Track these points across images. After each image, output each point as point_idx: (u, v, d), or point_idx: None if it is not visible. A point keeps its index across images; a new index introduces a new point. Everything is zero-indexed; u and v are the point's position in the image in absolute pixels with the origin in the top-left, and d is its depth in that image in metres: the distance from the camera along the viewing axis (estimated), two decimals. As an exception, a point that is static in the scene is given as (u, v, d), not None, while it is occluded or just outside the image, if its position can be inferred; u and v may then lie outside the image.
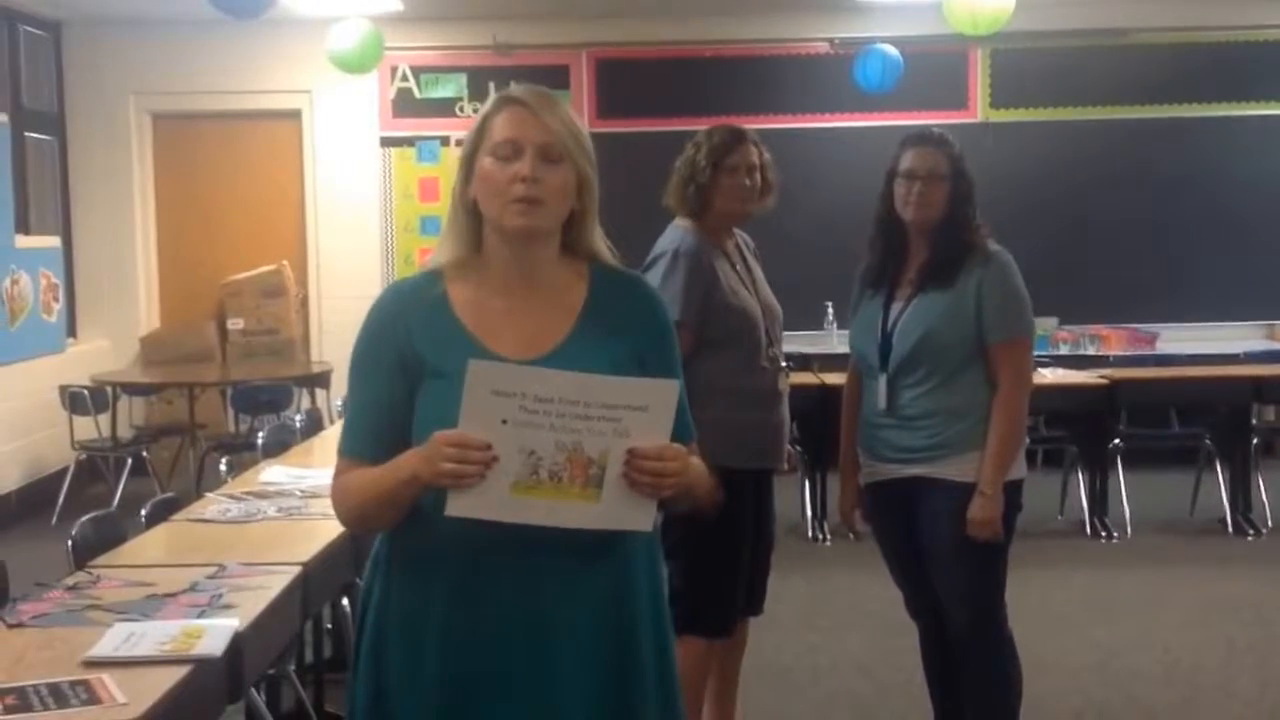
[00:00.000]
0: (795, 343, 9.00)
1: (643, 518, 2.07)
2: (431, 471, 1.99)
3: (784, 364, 3.99)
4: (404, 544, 2.16)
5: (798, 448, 7.48)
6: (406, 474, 2.04)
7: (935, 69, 9.56)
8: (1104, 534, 7.25)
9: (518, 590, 2.09)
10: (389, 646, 2.17)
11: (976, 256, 3.66)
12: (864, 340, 3.79)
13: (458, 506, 2.00)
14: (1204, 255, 9.60)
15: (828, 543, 7.07)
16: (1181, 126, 9.69)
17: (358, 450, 2.17)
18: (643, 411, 2.01)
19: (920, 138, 3.74)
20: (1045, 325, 9.33)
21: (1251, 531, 7.21)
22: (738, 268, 3.94)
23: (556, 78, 9.73)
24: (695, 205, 3.87)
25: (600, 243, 2.25)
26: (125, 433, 8.70)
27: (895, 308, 3.72)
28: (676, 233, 3.89)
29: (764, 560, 4.08)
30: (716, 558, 3.85)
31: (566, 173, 2.16)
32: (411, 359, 2.13)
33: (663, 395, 2.03)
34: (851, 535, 4.06)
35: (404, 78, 9.79)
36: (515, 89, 2.20)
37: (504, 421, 1.97)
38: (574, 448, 1.99)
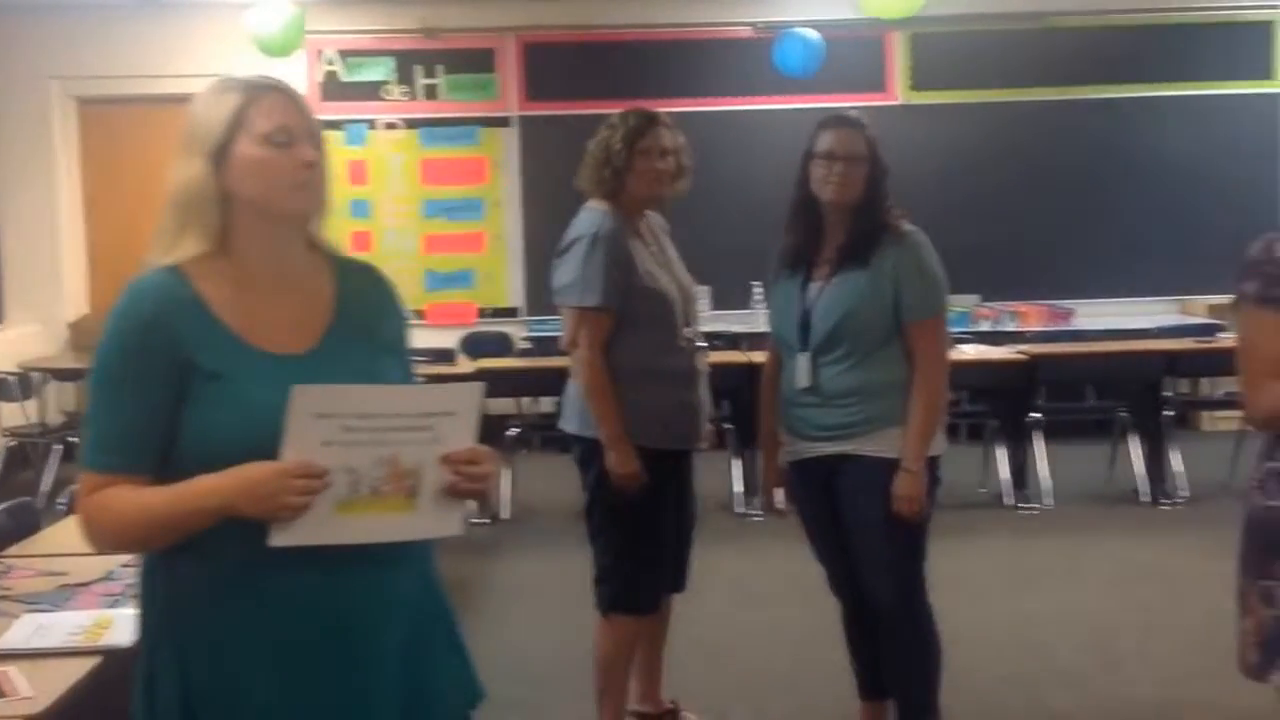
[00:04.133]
0: (723, 322, 9.13)
1: (456, 521, 2.06)
2: (271, 505, 1.91)
3: (701, 344, 4.06)
4: (193, 565, 2.03)
5: (728, 425, 7.56)
6: (215, 503, 1.94)
7: (855, 52, 9.68)
8: (1024, 505, 7.41)
9: (322, 600, 2.03)
10: (191, 658, 2.05)
11: (891, 236, 3.73)
12: (783, 320, 3.85)
13: (284, 536, 1.93)
14: (1118, 233, 9.80)
15: (757, 519, 7.16)
16: (1097, 108, 9.88)
17: (120, 464, 2.01)
18: (452, 416, 2.01)
19: (838, 119, 3.79)
20: (966, 303, 9.50)
21: (1166, 501, 7.40)
22: (652, 249, 3.99)
23: (483, 61, 9.77)
24: (610, 188, 3.91)
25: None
26: (54, 419, 8.65)
27: (814, 287, 3.77)
28: (593, 215, 3.92)
29: (687, 538, 4.15)
30: (640, 537, 3.91)
31: (325, 159, 2.15)
32: (183, 363, 2.01)
33: (470, 398, 2.03)
34: (772, 513, 4.14)
35: (330, 61, 9.78)
36: (253, 76, 2.14)
37: (325, 443, 1.93)
38: (392, 460, 1.97)
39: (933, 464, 3.75)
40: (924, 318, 3.73)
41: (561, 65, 9.77)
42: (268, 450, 1.93)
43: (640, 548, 3.93)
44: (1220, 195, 9.48)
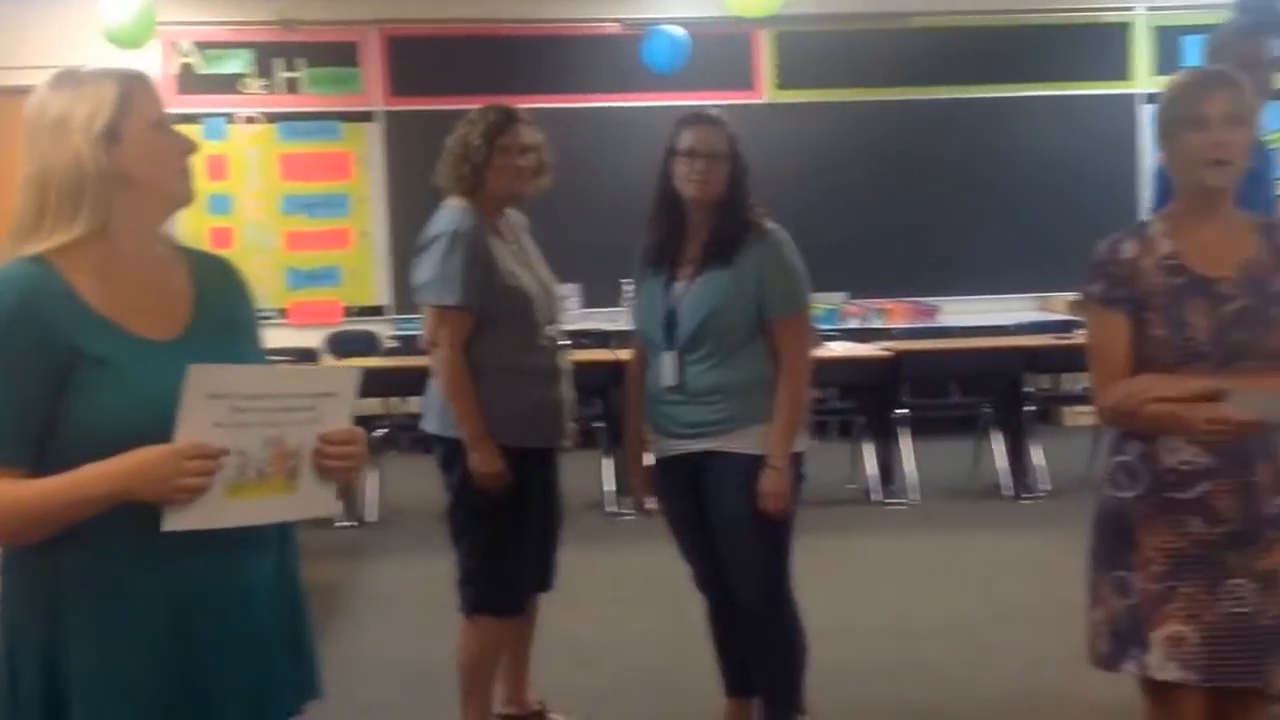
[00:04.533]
0: (592, 320, 9.10)
1: (331, 502, 2.09)
2: (167, 488, 1.90)
3: (563, 341, 4.03)
4: (77, 555, 2.00)
5: (598, 424, 7.54)
6: (105, 490, 1.92)
7: (723, 50, 9.71)
8: (891, 501, 7.48)
9: (209, 585, 2.05)
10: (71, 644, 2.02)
11: (754, 234, 3.74)
12: (648, 318, 3.84)
13: (177, 520, 1.93)
14: (982, 231, 9.96)
15: (628, 518, 7.14)
16: (960, 107, 10.03)
17: (3, 458, 1.98)
18: (334, 397, 2.04)
19: (698, 117, 3.79)
20: (834, 300, 9.59)
21: (1028, 495, 7.53)
22: (513, 247, 3.96)
23: (345, 54, 9.62)
24: (470, 185, 3.87)
25: None
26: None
27: (678, 286, 3.77)
28: (452, 213, 3.87)
29: (553, 537, 4.12)
30: (505, 538, 3.87)
31: None
32: (62, 352, 1.98)
33: (349, 380, 2.07)
34: (640, 513, 4.12)
35: (185, 53, 9.55)
36: (112, 67, 2.13)
37: (216, 425, 1.93)
38: (278, 441, 1.99)
39: (797, 460, 3.77)
40: (787, 315, 3.75)
41: (427, 59, 9.65)
42: (157, 435, 1.92)
43: (505, 548, 3.89)
44: (1080, 194, 9.67)
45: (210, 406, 1.92)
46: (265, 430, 1.97)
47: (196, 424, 1.91)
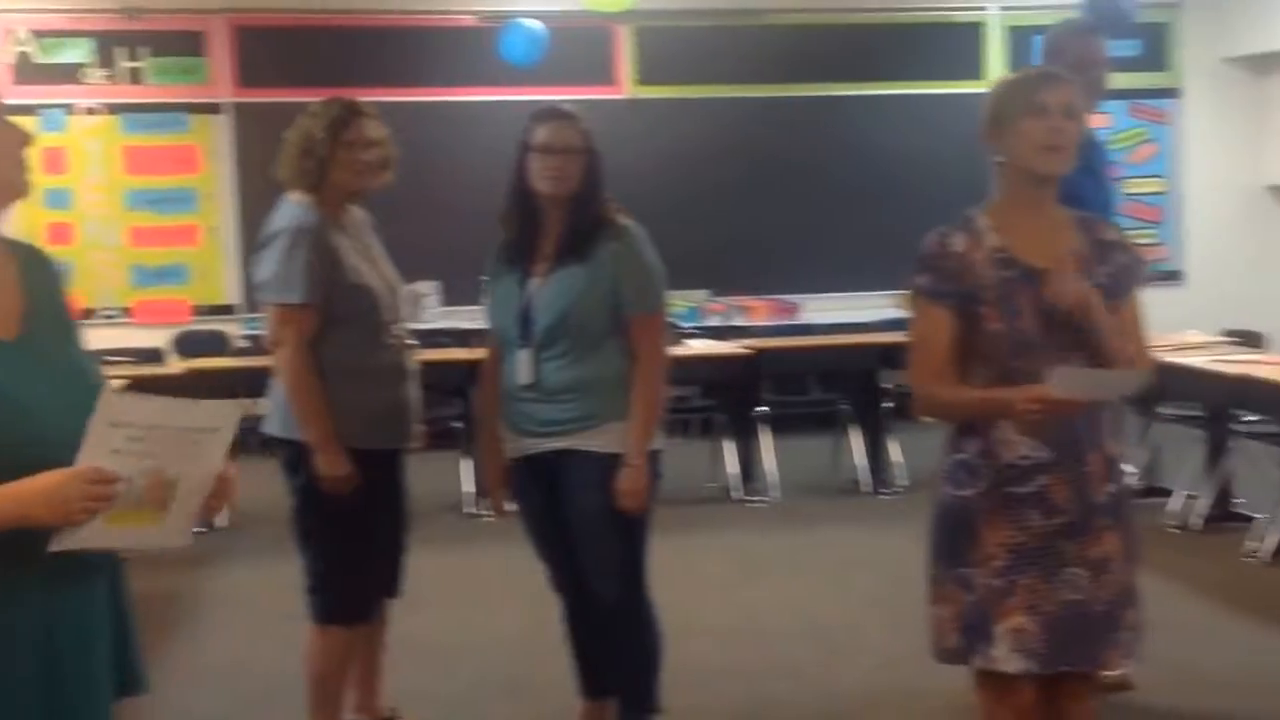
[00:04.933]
0: (452, 318, 8.97)
1: (189, 535, 2.13)
2: (67, 510, 1.93)
3: (410, 341, 3.95)
4: None
5: (457, 424, 7.44)
6: (5, 513, 1.93)
7: (582, 44, 9.63)
8: (751, 498, 7.48)
9: (70, 606, 2.08)
10: None
11: (610, 231, 3.71)
12: (503, 315, 3.78)
13: (65, 540, 1.97)
14: (841, 228, 10.00)
15: (487, 519, 7.03)
16: (819, 105, 10.06)
17: None
18: (215, 432, 2.08)
19: (552, 112, 3.75)
20: (696, 298, 9.58)
21: (886, 490, 7.57)
22: (356, 244, 3.86)
23: (190, 44, 9.35)
24: (313, 180, 3.75)
25: None
26: None
27: (533, 282, 3.72)
28: (294, 209, 3.76)
29: (401, 541, 4.02)
30: (354, 542, 3.78)
31: None
32: None
33: (231, 416, 2.09)
34: (498, 513, 4.04)
35: (22, 41, 9.20)
36: None
37: (114, 451, 1.97)
38: (157, 472, 2.02)
39: (654, 458, 3.74)
40: (644, 312, 3.72)
41: (277, 50, 9.41)
42: (8, 438, 1.95)
43: (354, 554, 3.80)
44: (936, 192, 9.72)
45: (111, 434, 1.96)
46: (150, 460, 2.01)
47: (98, 449, 1.96)
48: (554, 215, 3.71)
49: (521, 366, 3.71)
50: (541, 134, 3.67)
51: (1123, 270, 2.89)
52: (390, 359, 3.84)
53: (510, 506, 3.94)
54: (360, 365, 3.76)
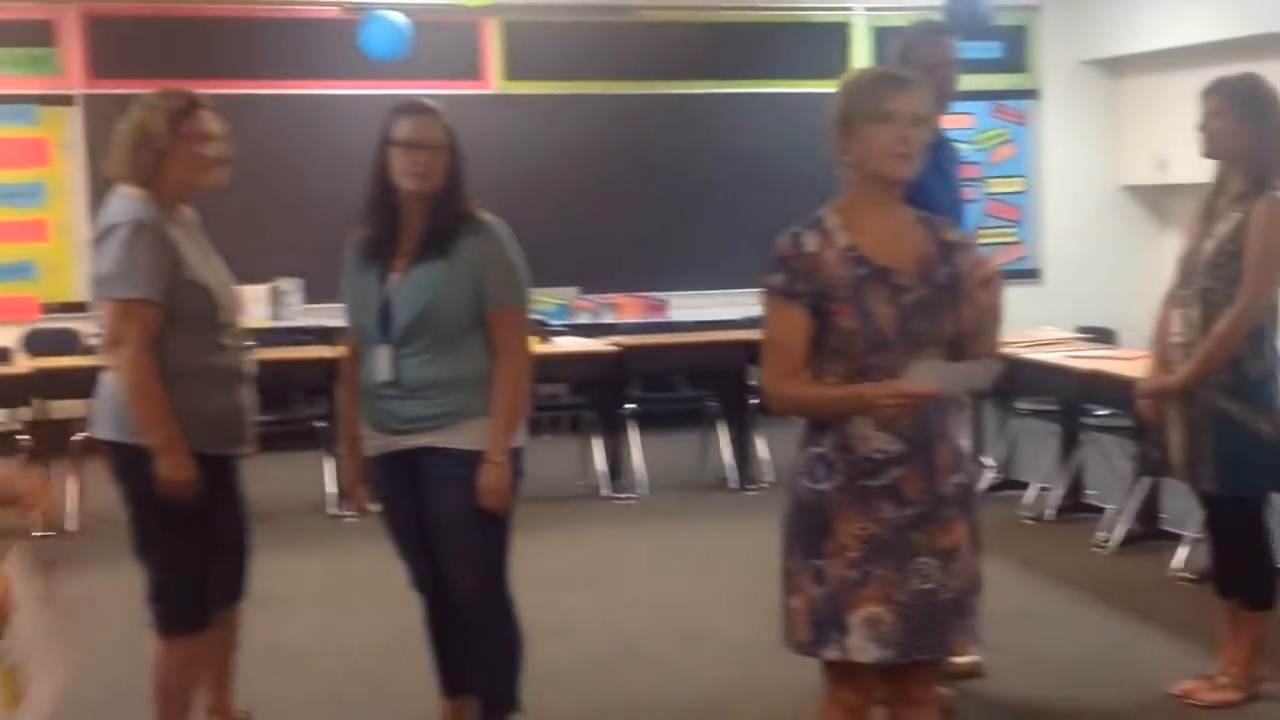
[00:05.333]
0: (315, 316, 8.84)
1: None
2: None
3: (247, 342, 3.87)
4: None
5: (320, 424, 7.35)
6: None
7: (449, 38, 9.56)
8: (620, 496, 7.49)
9: None
10: None
11: (472, 226, 3.69)
12: (363, 311, 3.74)
13: None
14: (710, 225, 10.05)
15: (351, 520, 6.94)
16: (688, 102, 10.09)
17: None
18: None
19: (414, 106, 3.71)
20: (565, 295, 9.56)
21: (752, 486, 7.63)
22: (191, 241, 3.75)
23: (40, 34, 9.07)
24: (149, 174, 3.64)
25: None
26: None
27: (394, 278, 3.68)
28: (130, 203, 3.64)
29: (243, 544, 3.94)
30: (199, 548, 3.69)
31: None
32: None
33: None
34: (359, 513, 4.00)
35: None
36: None
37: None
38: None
39: (516, 455, 3.74)
40: (507, 309, 3.71)
41: (132, 41, 9.16)
42: None
43: (196, 561, 3.70)
44: (803, 190, 9.71)
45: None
46: None
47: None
48: (415, 211, 3.68)
49: (381, 363, 3.67)
50: (404, 129, 3.64)
51: (966, 270, 2.95)
52: (230, 360, 3.74)
53: (372, 506, 3.90)
54: (201, 366, 3.65)
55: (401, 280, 3.66)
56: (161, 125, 3.62)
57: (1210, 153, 4.19)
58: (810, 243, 2.87)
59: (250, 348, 3.90)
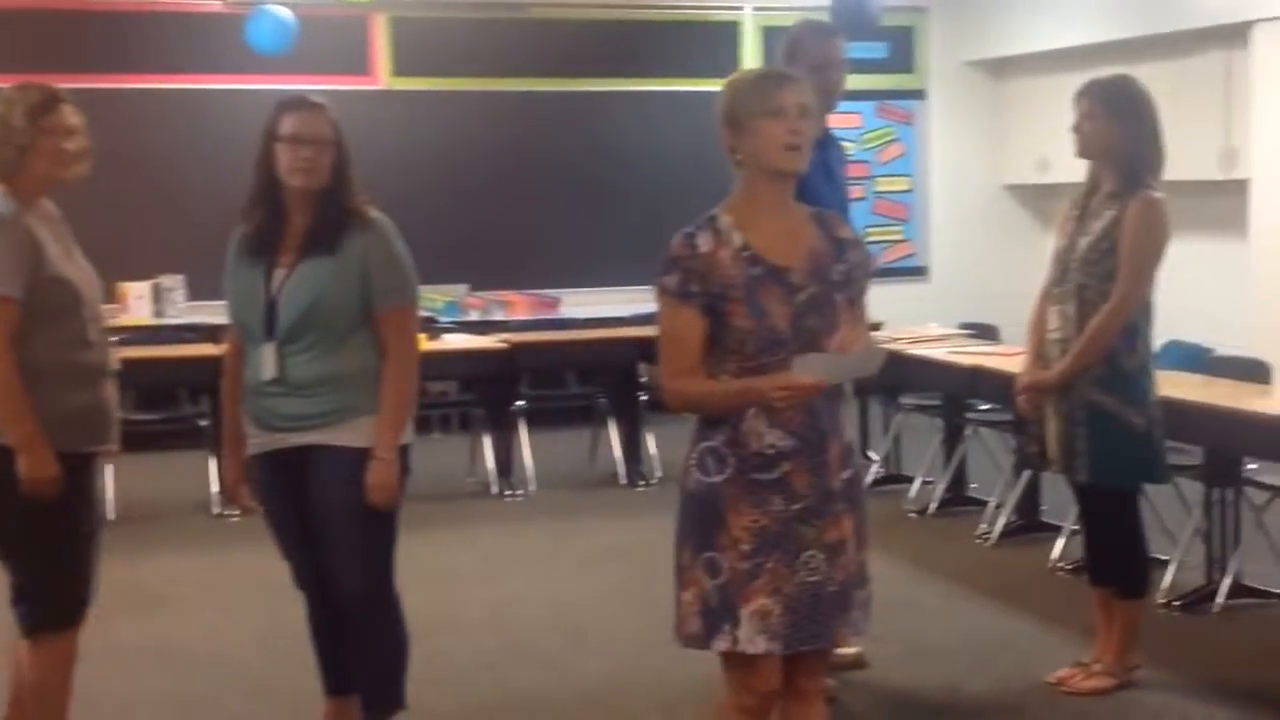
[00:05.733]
0: (199, 313, 8.71)
1: None
2: None
3: (111, 339, 3.80)
4: None
5: (204, 422, 7.29)
6: None
7: (336, 33, 9.47)
8: (510, 493, 7.48)
9: None
10: None
11: (359, 223, 3.66)
12: (247, 309, 3.70)
13: None
14: (601, 223, 10.07)
15: (235, 519, 6.88)
16: (579, 100, 10.10)
17: None
18: None
19: (300, 101, 3.68)
20: (455, 292, 9.52)
21: (642, 482, 7.67)
22: (54, 237, 3.65)
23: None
24: (10, 168, 3.54)
25: None
26: None
27: (278, 275, 3.65)
28: None
29: (96, 545, 3.80)
30: (64, 546, 3.60)
31: None
32: None
33: None
34: (242, 511, 3.96)
35: None
36: None
37: None
38: None
39: (403, 453, 3.72)
40: (394, 306, 3.69)
41: (8, 34, 8.96)
42: None
43: (62, 559, 3.60)
44: (694, 188, 9.78)
45: None
46: None
47: None
48: (300, 207, 3.65)
49: (266, 361, 3.64)
50: (289, 124, 3.61)
51: (857, 266, 3.02)
52: (92, 357, 3.64)
53: (256, 505, 3.86)
54: (68, 363, 3.56)
55: (287, 277, 3.63)
56: (21, 120, 3.54)
57: (1084, 153, 4.30)
58: (704, 243, 2.90)
59: (115, 344, 3.82)
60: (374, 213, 3.71)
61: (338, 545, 3.69)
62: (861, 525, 2.99)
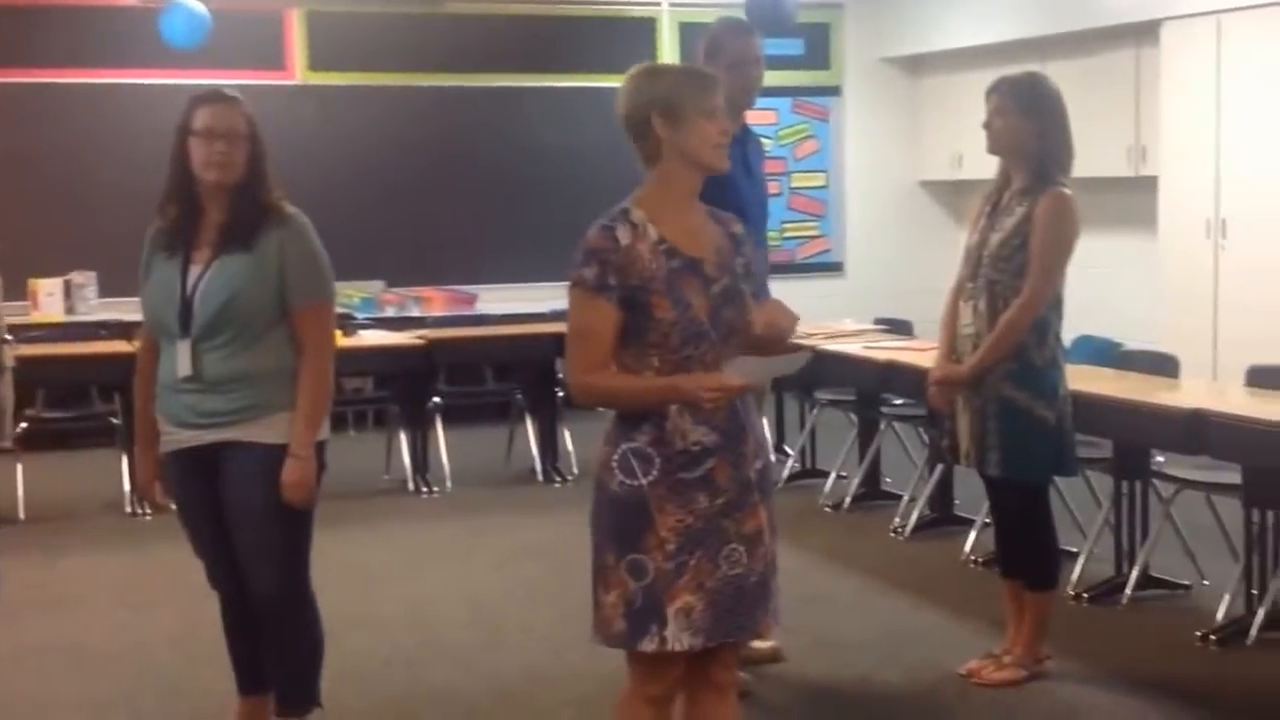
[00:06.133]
0: (112, 310, 8.59)
1: None
2: None
3: (7, 337, 3.75)
4: None
5: (116, 420, 7.19)
6: None
7: (251, 27, 9.39)
8: (426, 490, 7.46)
9: None
10: None
11: (275, 219, 3.64)
12: (162, 305, 3.66)
13: None
14: (518, 219, 10.05)
15: (150, 517, 6.80)
16: (495, 95, 10.08)
17: None
18: None
19: (213, 95, 3.66)
20: (372, 289, 9.47)
21: (558, 479, 7.67)
22: None
23: None
24: None
25: None
26: None
27: (194, 271, 3.62)
28: None
29: None
30: None
31: None
32: None
33: None
34: (155, 509, 3.92)
35: None
36: None
37: None
38: None
39: (319, 450, 3.71)
40: (310, 303, 3.67)
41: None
42: None
43: None
44: (611, 184, 9.75)
45: None
46: None
47: None
48: (216, 202, 3.62)
49: (181, 357, 3.61)
50: (203, 117, 3.58)
51: (754, 261, 3.06)
52: None
53: (169, 503, 3.82)
54: None
55: (203, 273, 3.60)
56: None
57: (994, 149, 4.35)
58: (623, 236, 2.89)
59: (18, 341, 3.78)
60: (290, 209, 3.69)
61: (252, 543, 3.67)
62: (772, 514, 3.01)
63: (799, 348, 3.06)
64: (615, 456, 2.92)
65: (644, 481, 2.88)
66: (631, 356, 2.89)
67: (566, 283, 2.92)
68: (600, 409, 3.00)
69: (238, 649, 3.90)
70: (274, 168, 3.69)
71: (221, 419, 3.61)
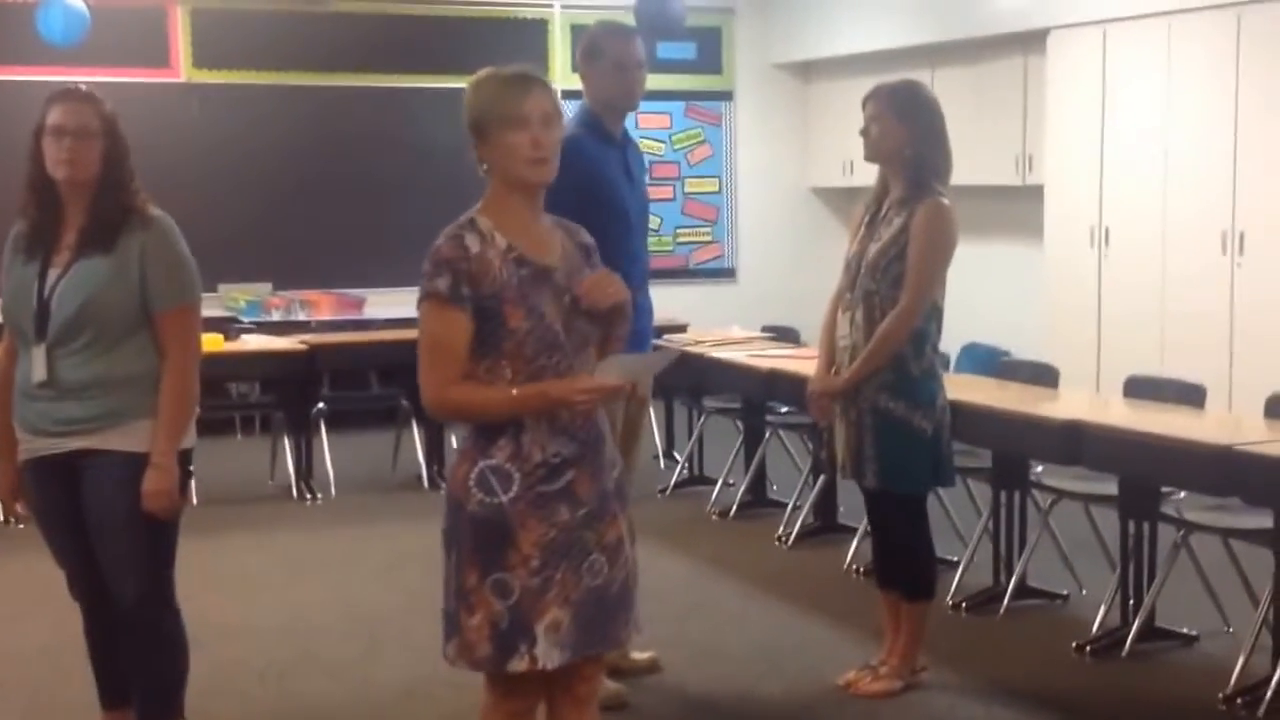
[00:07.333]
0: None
1: None
2: None
3: None
4: None
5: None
6: None
7: (133, 23, 9.20)
8: (310, 496, 7.34)
9: None
10: None
11: (138, 220, 3.56)
12: (19, 309, 3.57)
13: None
14: (406, 221, 9.90)
15: (19, 526, 6.61)
16: (383, 96, 9.98)
17: None
18: None
19: (67, 93, 3.58)
20: (259, 291, 9.32)
21: (445, 486, 7.55)
22: None
23: None
24: None
25: None
26: None
27: (52, 274, 3.53)
28: None
29: None
30: None
31: None
32: None
33: None
34: (12, 519, 3.81)
35: None
36: None
37: None
38: None
39: (185, 457, 3.64)
40: (173, 306, 3.60)
41: None
42: None
43: None
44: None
45: None
46: None
47: None
48: (75, 203, 3.54)
49: (37, 363, 3.52)
50: (54, 115, 3.50)
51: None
52: None
53: (23, 511, 3.75)
54: None
55: (61, 276, 3.52)
56: None
57: (872, 156, 4.35)
58: (473, 244, 2.83)
59: None
60: (154, 210, 3.61)
61: (113, 553, 3.59)
62: (631, 522, 2.97)
63: (660, 346, 3.03)
64: (473, 475, 2.85)
65: (504, 499, 2.81)
66: (484, 369, 2.81)
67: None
68: (459, 422, 2.93)
69: (100, 661, 3.82)
70: (138, 168, 3.60)
71: (79, 426, 3.53)
